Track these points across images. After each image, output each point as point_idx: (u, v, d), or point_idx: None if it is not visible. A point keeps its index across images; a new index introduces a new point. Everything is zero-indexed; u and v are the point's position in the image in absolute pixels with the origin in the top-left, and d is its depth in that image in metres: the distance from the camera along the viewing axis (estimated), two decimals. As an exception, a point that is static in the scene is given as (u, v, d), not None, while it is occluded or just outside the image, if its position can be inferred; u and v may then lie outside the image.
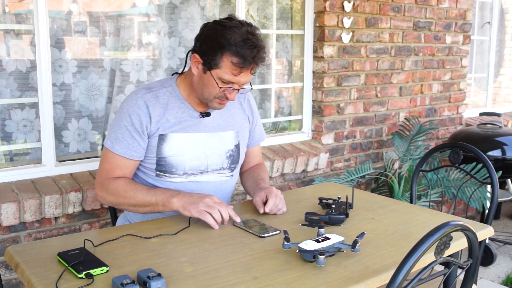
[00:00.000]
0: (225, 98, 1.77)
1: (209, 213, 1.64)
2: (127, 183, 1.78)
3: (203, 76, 1.76)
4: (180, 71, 1.92)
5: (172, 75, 1.93)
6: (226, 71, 1.71)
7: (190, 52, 1.80)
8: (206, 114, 1.87)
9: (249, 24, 1.75)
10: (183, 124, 1.83)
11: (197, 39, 1.78)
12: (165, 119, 1.81)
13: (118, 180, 1.78)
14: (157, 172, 1.84)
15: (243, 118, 1.99)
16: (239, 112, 1.99)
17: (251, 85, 1.84)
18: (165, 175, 1.84)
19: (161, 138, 1.80)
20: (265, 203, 1.79)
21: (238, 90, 1.77)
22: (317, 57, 3.21)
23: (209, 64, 1.72)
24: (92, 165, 2.48)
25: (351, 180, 3.13)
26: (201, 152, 1.85)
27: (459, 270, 1.32)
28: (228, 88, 1.74)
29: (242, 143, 1.98)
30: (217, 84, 1.73)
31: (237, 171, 2.01)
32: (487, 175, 2.25)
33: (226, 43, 1.68)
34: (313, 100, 3.29)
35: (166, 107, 1.82)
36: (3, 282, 2.19)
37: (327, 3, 3.11)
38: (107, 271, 1.33)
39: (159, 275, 1.24)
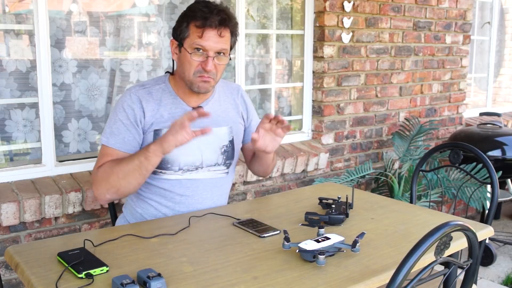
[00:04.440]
0: (204, 72, 1.77)
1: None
2: (110, 162, 1.77)
3: (180, 55, 1.81)
4: (172, 71, 1.95)
5: (165, 73, 1.96)
6: (193, 37, 1.76)
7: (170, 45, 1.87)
8: (198, 108, 1.87)
9: (215, 2, 1.83)
10: None
11: (172, 28, 1.87)
12: (160, 114, 1.83)
13: (103, 165, 1.77)
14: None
15: (236, 113, 2.01)
16: (232, 108, 2.00)
17: (230, 57, 1.85)
18: (160, 172, 1.84)
19: (156, 133, 1.82)
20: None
21: (213, 58, 1.77)
22: (317, 57, 3.21)
23: (180, 39, 1.79)
24: (92, 165, 2.45)
25: (351, 180, 3.12)
26: (196, 147, 1.85)
27: (459, 270, 1.32)
28: (202, 56, 1.75)
29: (236, 139, 1.98)
30: (188, 52, 1.76)
31: (233, 169, 2.01)
32: (487, 175, 2.25)
33: (189, 13, 1.78)
34: (313, 100, 3.29)
35: (159, 103, 1.84)
36: (3, 282, 2.19)
37: (327, 3, 3.12)
38: (107, 271, 1.33)
39: (159, 275, 1.24)
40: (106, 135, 1.82)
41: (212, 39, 1.75)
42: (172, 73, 1.92)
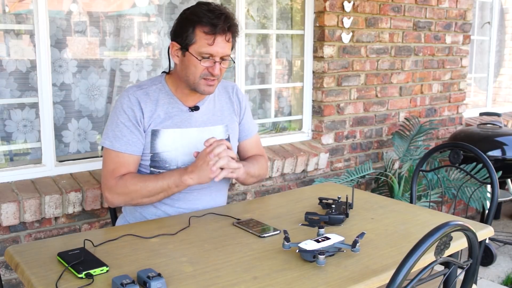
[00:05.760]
0: (210, 76, 1.79)
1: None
2: (134, 177, 1.79)
3: (184, 60, 1.80)
4: (168, 70, 1.95)
5: (161, 73, 1.96)
6: (201, 44, 1.75)
7: (169, 46, 1.85)
8: (195, 108, 1.89)
9: (214, 3, 1.83)
10: (173, 119, 1.86)
11: (171, 30, 1.86)
12: (157, 114, 1.84)
13: (124, 178, 1.79)
14: (152, 169, 1.86)
15: (232, 111, 2.02)
16: (228, 106, 2.01)
17: (233, 61, 1.86)
18: (159, 171, 1.85)
19: (154, 134, 1.83)
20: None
21: (220, 63, 1.79)
22: (317, 57, 3.21)
23: (185, 44, 1.78)
24: (92, 165, 2.48)
25: (351, 180, 3.12)
26: (193, 147, 1.86)
27: (459, 270, 1.32)
28: (210, 61, 1.77)
29: (232, 137, 2.00)
30: (197, 58, 1.76)
31: None
32: (487, 175, 2.25)
33: (195, 18, 1.76)
34: (313, 100, 3.29)
35: (157, 103, 1.85)
36: (3, 282, 2.19)
37: (327, 3, 3.11)
38: (107, 271, 1.33)
39: (159, 275, 1.24)
40: (109, 138, 1.82)
41: (220, 45, 1.76)
42: (168, 73, 1.93)
